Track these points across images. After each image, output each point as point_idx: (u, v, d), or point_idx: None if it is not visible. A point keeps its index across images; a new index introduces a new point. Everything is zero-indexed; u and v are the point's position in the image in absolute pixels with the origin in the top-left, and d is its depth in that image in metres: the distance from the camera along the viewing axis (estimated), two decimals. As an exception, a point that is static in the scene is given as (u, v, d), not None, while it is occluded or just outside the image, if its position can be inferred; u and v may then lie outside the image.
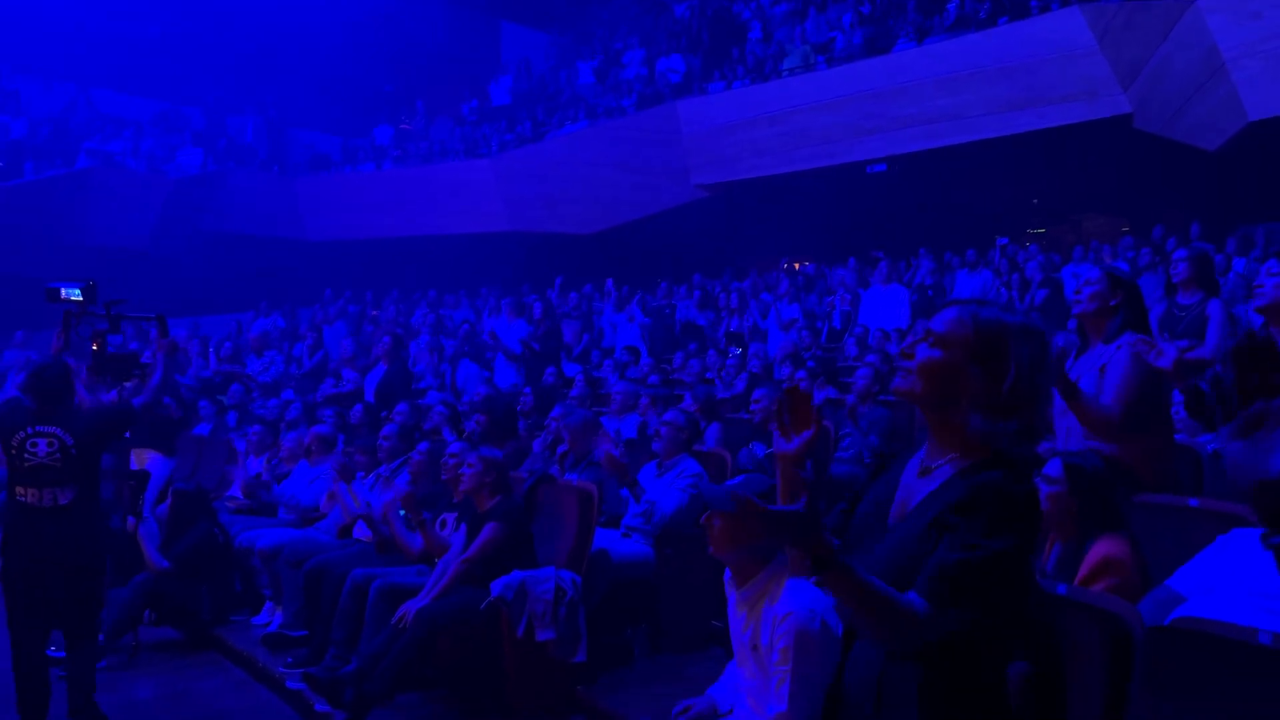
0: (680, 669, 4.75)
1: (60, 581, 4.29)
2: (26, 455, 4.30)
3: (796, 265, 13.75)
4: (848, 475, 6.11)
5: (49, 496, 4.29)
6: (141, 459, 7.44)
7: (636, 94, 15.59)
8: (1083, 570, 2.85)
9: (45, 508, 4.28)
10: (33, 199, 14.12)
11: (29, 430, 4.33)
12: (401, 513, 5.16)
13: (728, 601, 2.96)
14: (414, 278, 16.32)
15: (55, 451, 4.31)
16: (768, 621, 2.73)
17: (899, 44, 12.63)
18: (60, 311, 5.22)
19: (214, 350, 11.43)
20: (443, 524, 5.20)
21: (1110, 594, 2.65)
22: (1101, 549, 2.85)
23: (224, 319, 15.20)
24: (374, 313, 14.84)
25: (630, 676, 4.76)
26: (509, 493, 4.80)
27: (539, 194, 15.57)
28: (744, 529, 2.74)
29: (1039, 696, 1.75)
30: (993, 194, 14.08)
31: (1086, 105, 10.92)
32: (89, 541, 4.39)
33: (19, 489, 4.30)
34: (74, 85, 17.13)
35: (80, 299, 5.16)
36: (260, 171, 17.57)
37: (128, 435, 7.36)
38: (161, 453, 7.56)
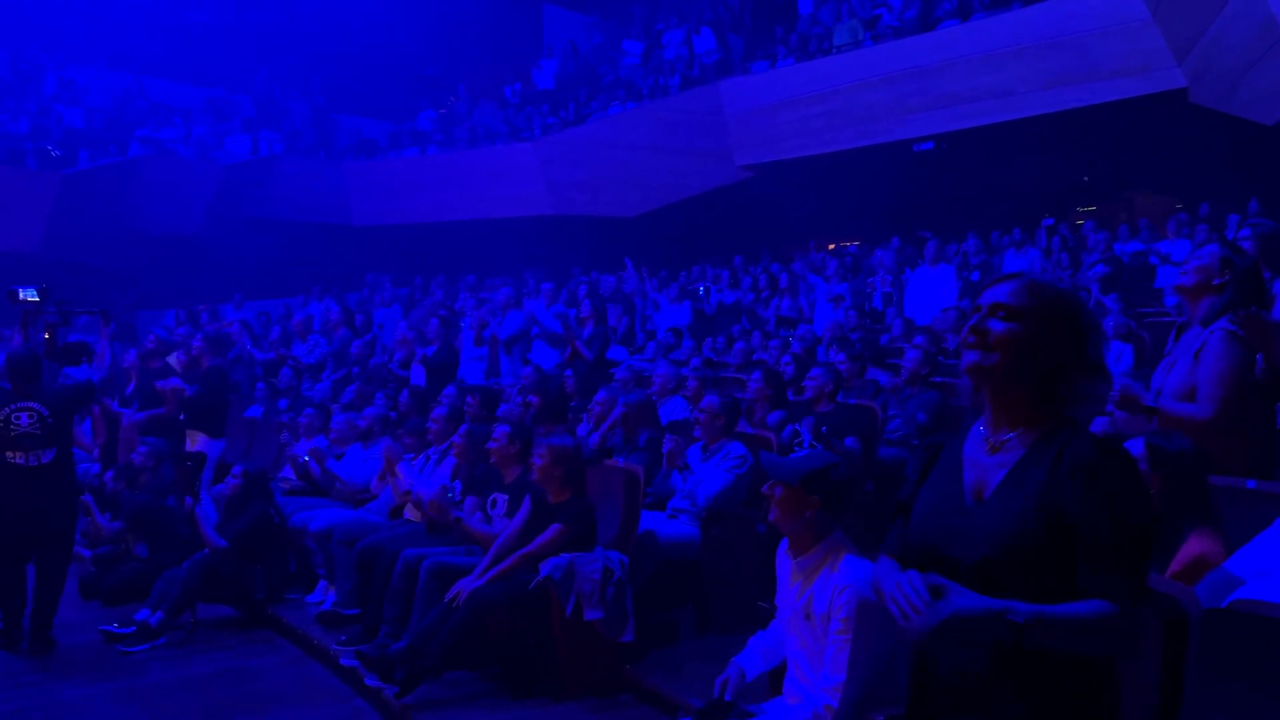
0: (726, 649, 4.72)
1: (40, 523, 5.34)
2: (12, 426, 5.33)
3: (845, 244, 13.60)
4: (895, 458, 6.08)
5: (34, 458, 5.35)
6: (193, 440, 7.61)
7: (679, 75, 15.52)
8: (1174, 565, 2.72)
9: (31, 466, 5.34)
10: (88, 187, 14.39)
11: (12, 407, 5.35)
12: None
13: (778, 569, 3.03)
14: (458, 261, 16.42)
15: (35, 422, 5.37)
16: (825, 592, 2.81)
17: (945, 20, 12.43)
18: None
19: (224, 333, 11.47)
20: (493, 503, 5.24)
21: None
22: (1196, 546, 2.72)
23: (273, 304, 15.44)
24: (421, 296, 14.96)
25: (677, 656, 4.79)
26: (581, 489, 4.72)
27: (581, 177, 15.57)
28: (805, 503, 2.87)
29: (1094, 680, 1.74)
30: (1042, 172, 13.84)
31: (1139, 79, 10.67)
32: (65, 491, 5.55)
33: (8, 453, 5.32)
34: (127, 74, 17.42)
35: (37, 299, 6.24)
36: (307, 158, 17.76)
37: (182, 419, 7.62)
38: (208, 434, 7.71)
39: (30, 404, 5.38)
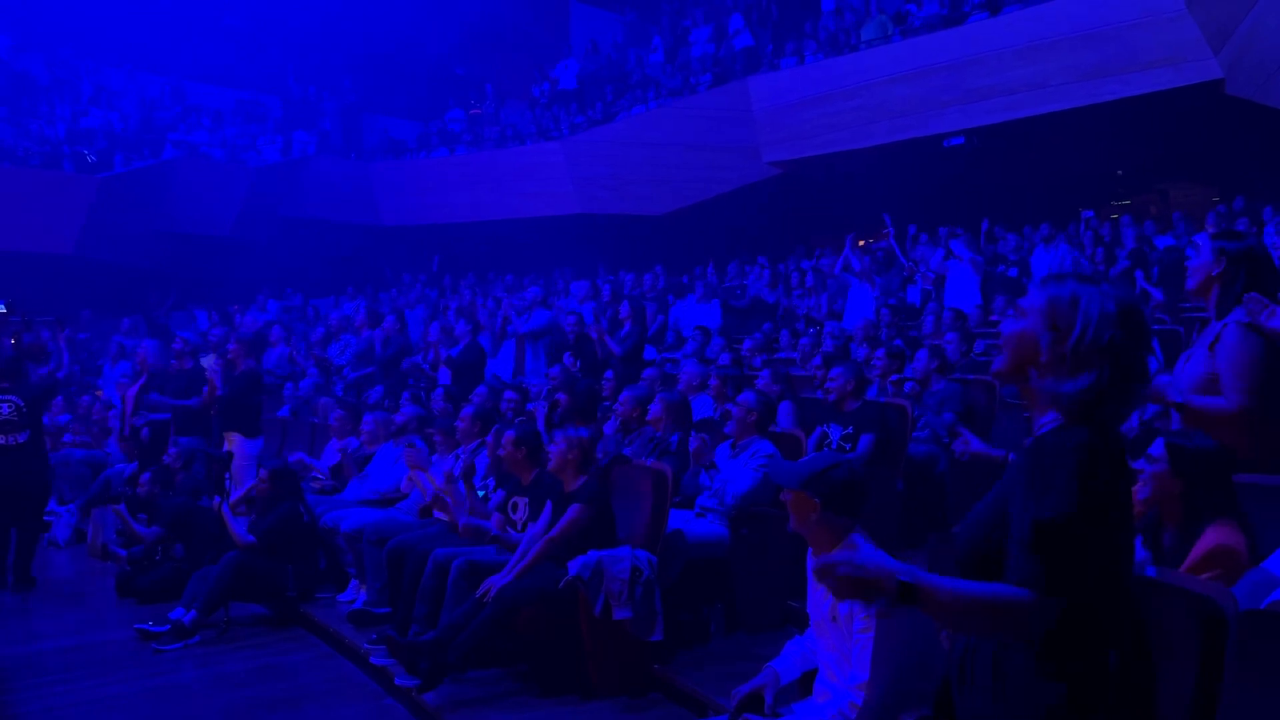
0: (756, 648, 4.75)
1: (17, 492, 6.78)
2: None
3: (875, 241, 13.51)
4: (925, 455, 6.03)
5: (11, 439, 6.77)
6: (230, 441, 7.70)
7: (709, 73, 15.49)
8: (1190, 559, 2.70)
9: (10, 445, 6.76)
10: (122, 190, 14.58)
11: None
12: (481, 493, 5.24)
13: (807, 573, 3.02)
14: (487, 261, 16.49)
15: (13, 411, 6.78)
16: None
17: (976, 13, 12.31)
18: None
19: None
20: (514, 507, 5.25)
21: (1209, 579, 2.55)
22: (1212, 538, 2.71)
23: (303, 305, 15.60)
24: (451, 296, 15.03)
25: (706, 655, 4.77)
26: (594, 473, 4.82)
27: (609, 175, 15.57)
28: (809, 505, 2.89)
29: (1126, 684, 1.71)
30: (1075, 165, 13.66)
31: (1174, 71, 10.51)
32: (38, 466, 6.99)
33: None
34: (159, 77, 17.63)
35: (4, 311, 7.88)
36: (337, 158, 17.89)
37: (215, 420, 7.77)
38: (245, 435, 7.79)
39: (9, 396, 6.79)
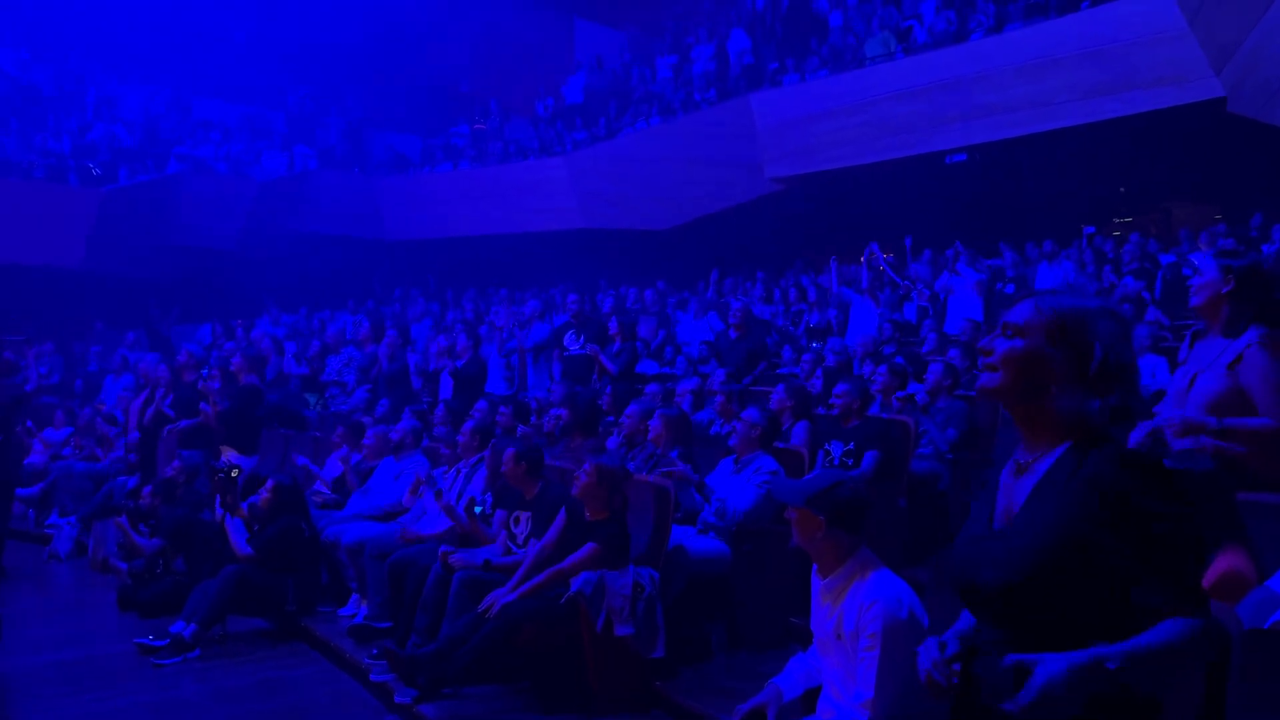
0: (758, 665, 4.73)
1: None
2: None
3: (878, 256, 13.52)
4: (928, 471, 6.02)
5: None
6: (226, 456, 7.70)
7: (712, 88, 15.56)
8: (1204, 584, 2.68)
9: None
10: (127, 203, 14.64)
11: None
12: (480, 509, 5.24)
13: (812, 591, 3.00)
14: (490, 275, 16.53)
15: None
16: (853, 609, 2.79)
17: (979, 31, 12.36)
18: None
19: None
20: (516, 520, 5.24)
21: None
22: (1224, 563, 2.69)
23: (307, 318, 15.61)
24: (457, 312, 15.03)
25: (708, 672, 4.76)
26: (619, 510, 4.68)
27: (612, 191, 15.62)
28: (814, 523, 2.87)
29: (1134, 703, 1.70)
30: (1078, 183, 13.71)
31: (1177, 90, 10.55)
32: (7, 469, 7.62)
33: None
34: (165, 90, 17.73)
35: None
36: (342, 173, 17.95)
37: (217, 433, 7.77)
38: (240, 451, 7.78)
39: None
